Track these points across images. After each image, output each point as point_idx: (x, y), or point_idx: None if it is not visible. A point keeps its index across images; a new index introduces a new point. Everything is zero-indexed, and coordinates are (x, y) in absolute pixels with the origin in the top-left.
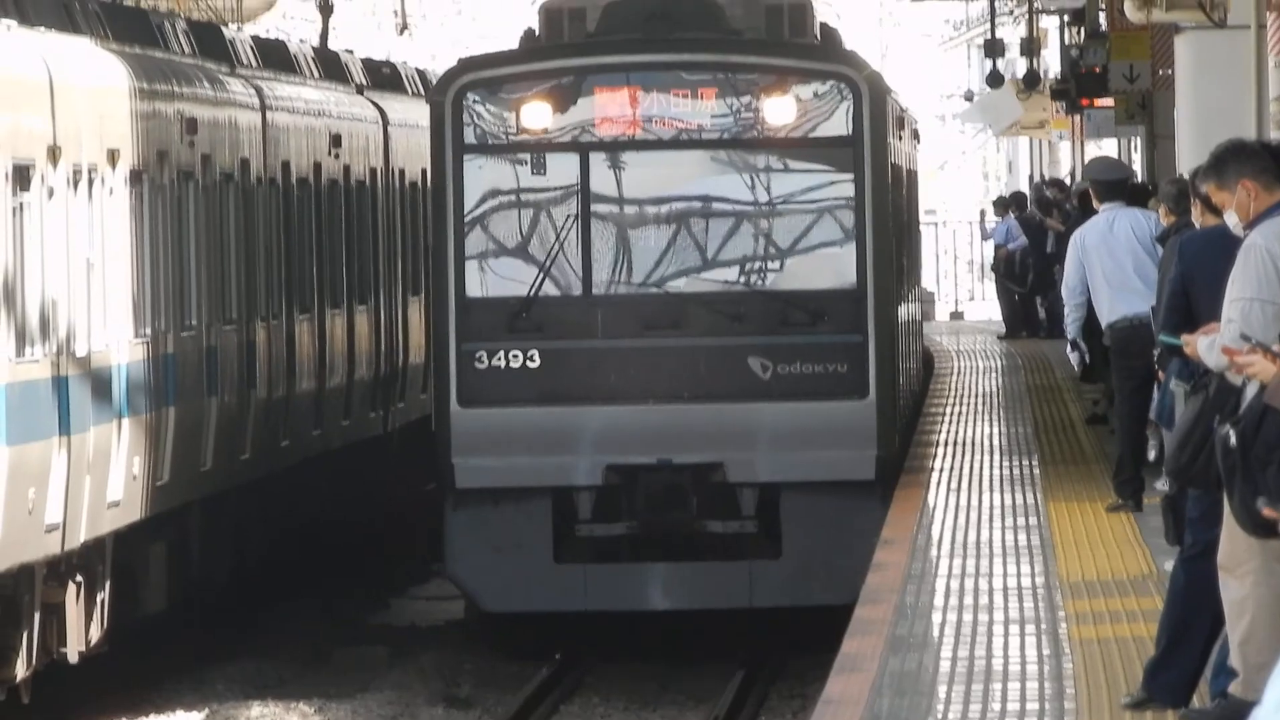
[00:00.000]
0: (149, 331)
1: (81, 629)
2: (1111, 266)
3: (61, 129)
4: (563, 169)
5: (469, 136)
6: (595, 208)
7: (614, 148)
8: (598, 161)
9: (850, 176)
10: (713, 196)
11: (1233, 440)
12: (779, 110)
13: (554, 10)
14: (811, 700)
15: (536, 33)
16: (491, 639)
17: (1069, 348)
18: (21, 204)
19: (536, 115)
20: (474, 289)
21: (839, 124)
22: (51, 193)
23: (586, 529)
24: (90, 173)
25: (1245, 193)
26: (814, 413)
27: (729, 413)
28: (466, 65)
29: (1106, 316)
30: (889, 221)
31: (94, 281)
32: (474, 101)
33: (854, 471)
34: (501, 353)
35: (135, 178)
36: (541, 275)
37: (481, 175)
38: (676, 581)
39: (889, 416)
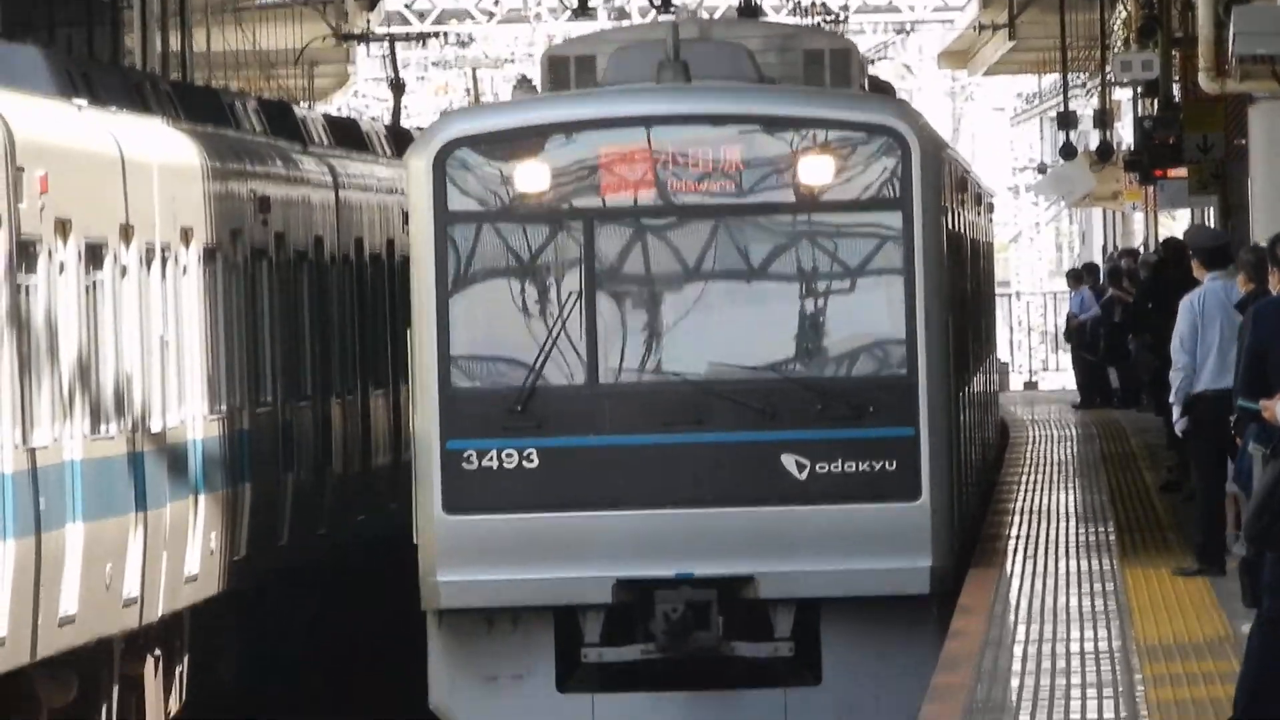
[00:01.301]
0: (224, 408)
1: (161, 702)
2: (1229, 334)
3: (134, 208)
4: (564, 240)
5: (454, 203)
6: (602, 284)
7: (623, 215)
8: (604, 231)
9: (899, 245)
10: (739, 270)
11: None
12: (816, 169)
13: (558, 58)
14: None
15: (537, 84)
16: None
17: (1177, 414)
18: (95, 282)
19: (533, 177)
20: (461, 379)
21: (886, 184)
22: (124, 271)
23: (595, 654)
24: (163, 251)
25: None
26: (859, 518)
27: (760, 518)
28: (451, 119)
29: (1209, 383)
30: (945, 295)
31: (168, 358)
32: (460, 162)
33: (906, 585)
34: (494, 452)
35: (209, 256)
36: (540, 362)
37: (468, 247)
38: (700, 714)
39: (946, 520)
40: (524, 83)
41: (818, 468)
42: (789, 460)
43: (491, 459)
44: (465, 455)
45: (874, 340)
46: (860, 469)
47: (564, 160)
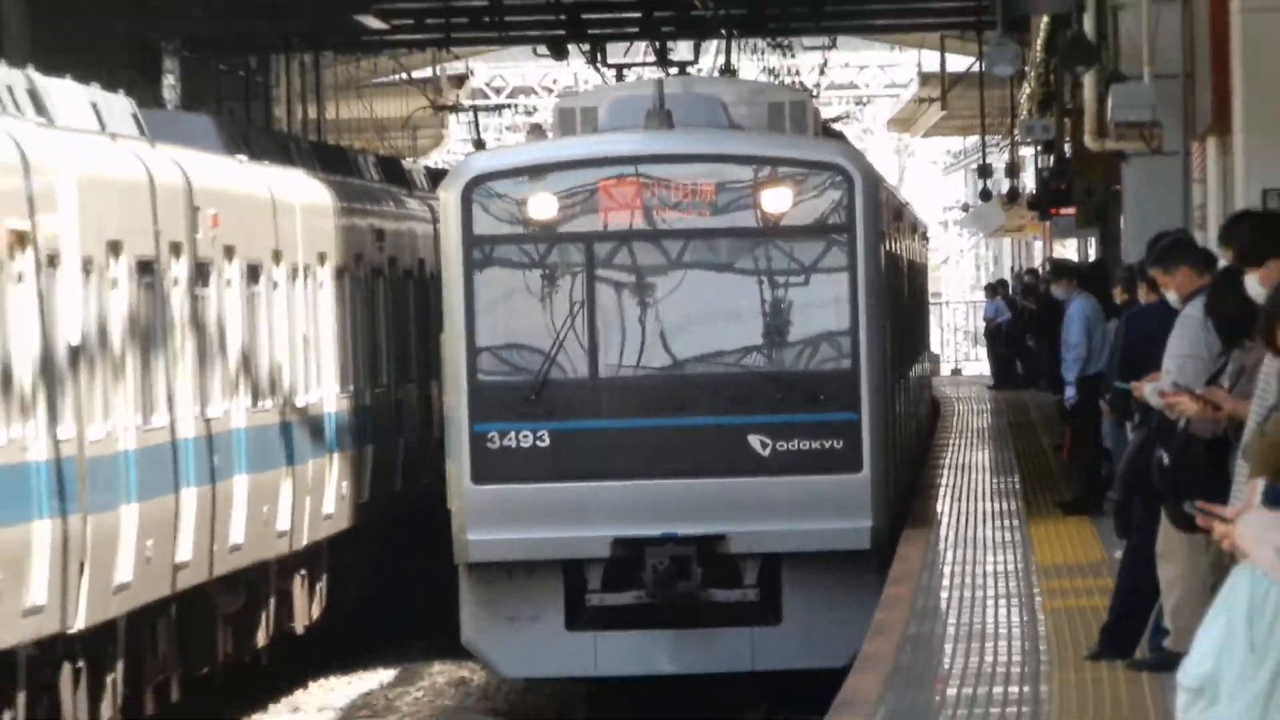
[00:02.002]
0: (351, 388)
1: (306, 610)
2: (1098, 336)
3: (282, 237)
4: (569, 258)
5: (478, 227)
6: (600, 295)
7: (617, 236)
8: (602, 250)
9: (845, 262)
10: (712, 282)
11: (1166, 461)
12: (775, 199)
13: (567, 109)
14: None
15: (548, 131)
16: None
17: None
18: (253, 293)
19: (543, 207)
20: (485, 373)
21: (833, 212)
22: (275, 285)
23: (596, 599)
24: (305, 270)
25: (1184, 277)
26: (812, 487)
27: (731, 488)
28: (476, 159)
29: (1088, 371)
30: (884, 304)
31: (309, 351)
32: (483, 194)
33: (850, 543)
34: (513, 433)
35: (339, 274)
36: (550, 359)
37: (490, 265)
38: (682, 647)
39: (883, 489)
40: (535, 129)
41: (778, 445)
42: (754, 440)
43: (511, 439)
44: (489, 436)
45: (824, 341)
46: (813, 447)
47: (568, 191)
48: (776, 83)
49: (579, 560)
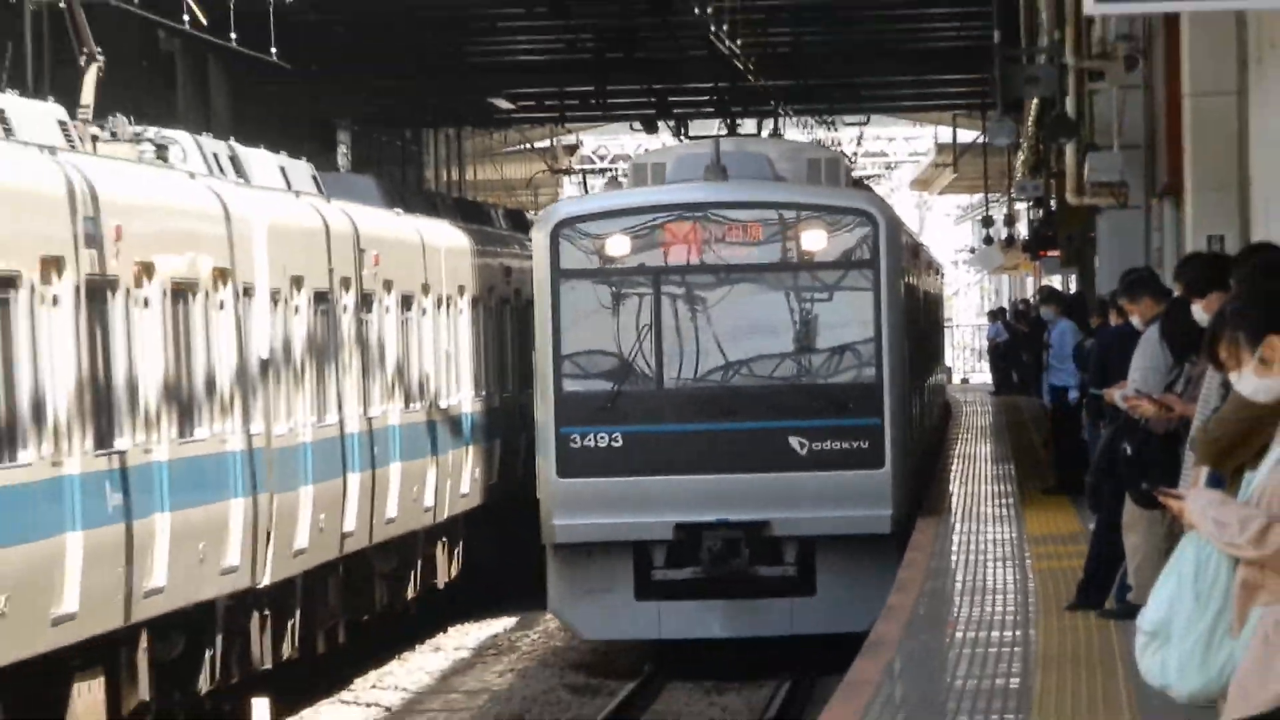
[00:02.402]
0: (483, 394)
1: (446, 570)
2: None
3: (430, 273)
4: (638, 287)
5: (564, 262)
6: (664, 319)
7: (678, 271)
8: (666, 281)
9: (870, 292)
10: (760, 309)
11: (1130, 451)
12: (812, 239)
13: (640, 164)
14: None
15: (621, 183)
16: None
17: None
18: (406, 318)
19: (617, 245)
20: (569, 385)
21: (860, 249)
22: (424, 311)
23: (661, 574)
24: (447, 299)
25: (1145, 305)
26: (841, 481)
27: (774, 481)
28: (562, 205)
29: (1064, 381)
30: (901, 326)
31: (450, 364)
32: (568, 234)
33: (873, 528)
34: (591, 435)
35: (474, 302)
36: (622, 374)
37: (574, 294)
38: (732, 615)
39: (901, 482)
40: (612, 180)
41: (813, 446)
42: (794, 441)
43: (590, 440)
44: (572, 438)
45: (852, 358)
46: (842, 447)
47: (638, 232)
48: (814, 143)
49: (646, 541)
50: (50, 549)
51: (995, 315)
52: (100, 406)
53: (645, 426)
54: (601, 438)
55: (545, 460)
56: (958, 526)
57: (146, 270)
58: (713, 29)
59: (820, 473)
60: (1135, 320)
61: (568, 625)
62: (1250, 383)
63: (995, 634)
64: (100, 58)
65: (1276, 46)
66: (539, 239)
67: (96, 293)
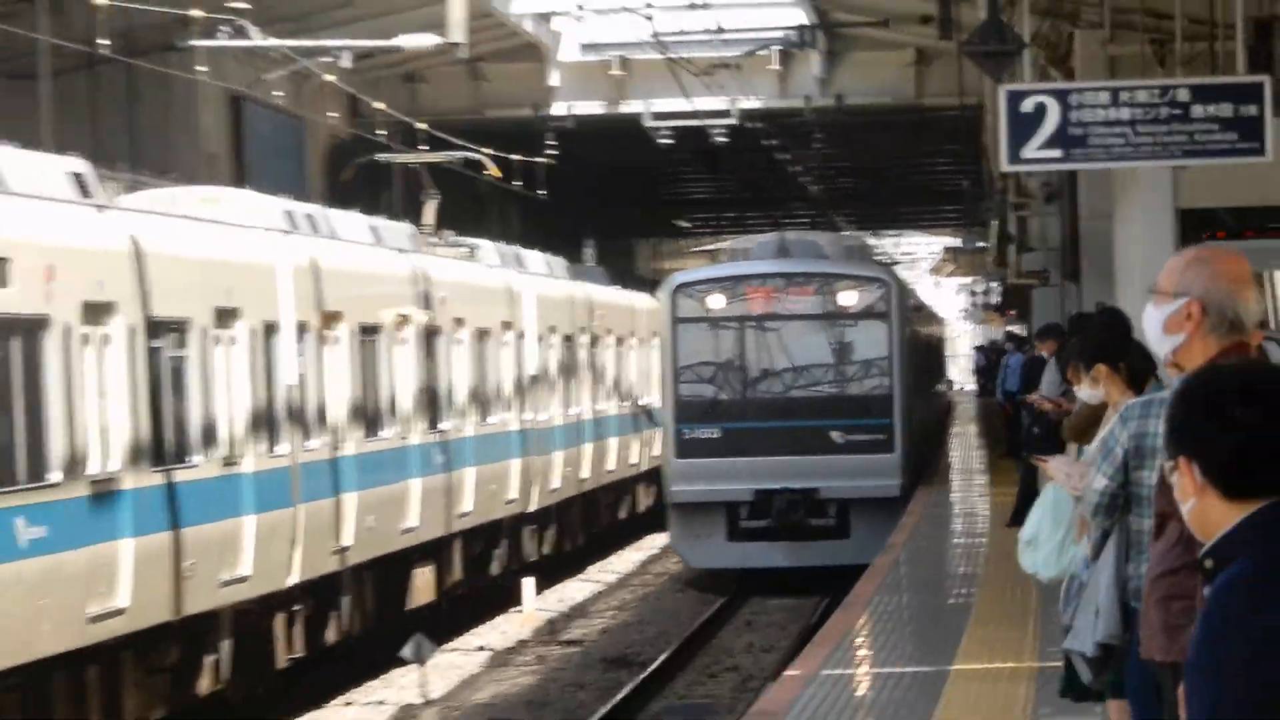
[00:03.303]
0: (577, 411)
1: (536, 550)
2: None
3: (635, 323)
4: (730, 330)
5: (680, 312)
6: (746, 351)
7: (758, 319)
8: (748, 326)
9: (884, 333)
10: (810, 344)
11: (1035, 431)
12: (845, 297)
13: (734, 248)
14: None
15: (722, 257)
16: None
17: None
18: (620, 353)
19: (716, 300)
20: (686, 394)
21: (878, 305)
22: (630, 348)
23: (744, 524)
24: (641, 341)
25: (1050, 344)
26: (865, 461)
27: (820, 461)
28: (680, 275)
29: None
30: (907, 356)
31: (544, 384)
32: (682, 295)
33: (887, 493)
34: (699, 430)
35: (640, 342)
36: (721, 386)
37: (687, 334)
38: (792, 552)
39: (907, 463)
40: (712, 256)
41: (847, 437)
42: (834, 434)
43: (697, 433)
44: (685, 431)
45: (872, 377)
46: (865, 438)
47: (730, 293)
48: (850, 235)
49: (735, 502)
50: (401, 489)
51: (978, 349)
52: (431, 404)
53: (734, 423)
54: (705, 431)
55: (667, 447)
56: (951, 478)
57: (459, 322)
58: (803, 179)
59: (851, 455)
60: (1044, 353)
61: (682, 558)
62: (1085, 392)
63: (966, 539)
64: (437, 196)
65: (1127, 189)
66: (663, 296)
67: (430, 335)
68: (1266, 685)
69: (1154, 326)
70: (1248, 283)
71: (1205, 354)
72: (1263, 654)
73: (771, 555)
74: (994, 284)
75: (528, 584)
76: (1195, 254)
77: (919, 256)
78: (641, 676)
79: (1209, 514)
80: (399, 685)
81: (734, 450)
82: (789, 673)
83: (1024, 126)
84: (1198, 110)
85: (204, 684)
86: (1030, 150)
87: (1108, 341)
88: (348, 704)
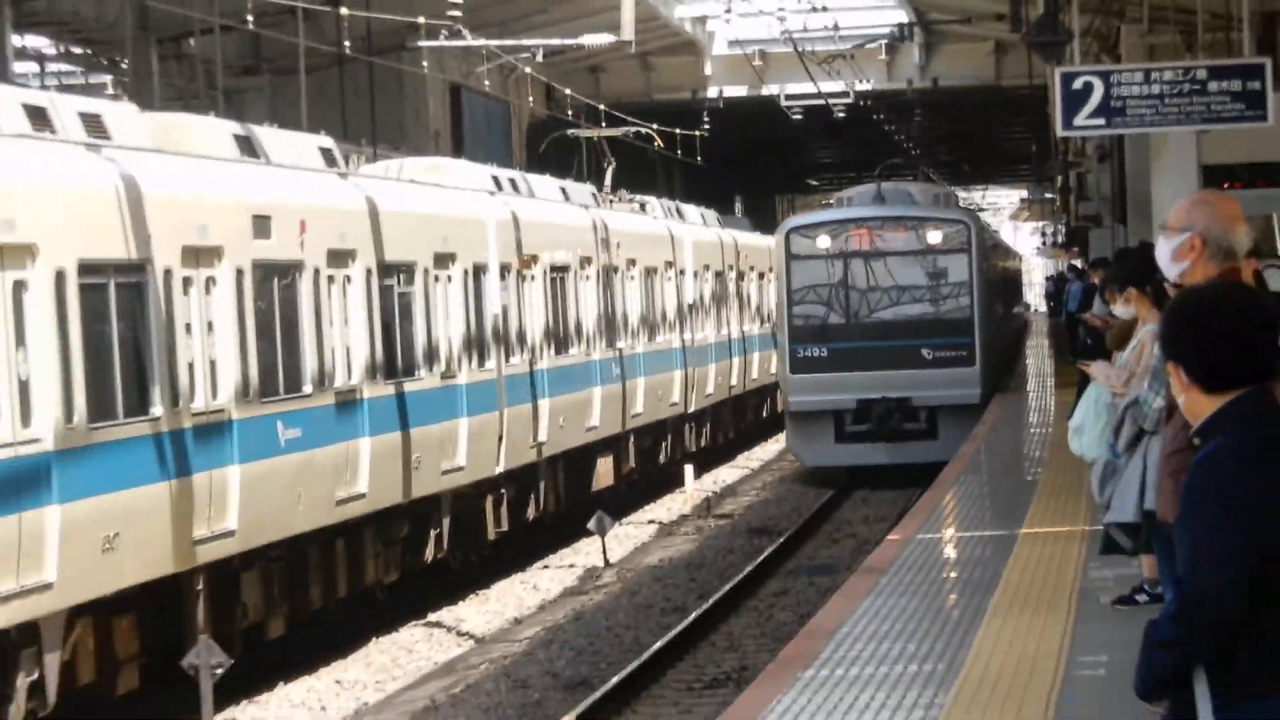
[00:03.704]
0: (726, 332)
1: (695, 443)
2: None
3: (762, 261)
4: (837, 265)
5: (794, 249)
6: (850, 282)
7: (859, 255)
8: (852, 261)
9: (966, 265)
10: (904, 275)
11: (1088, 341)
12: (933, 235)
13: (840, 196)
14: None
15: (830, 204)
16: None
17: None
18: (757, 286)
19: (824, 240)
20: (798, 320)
21: (960, 241)
22: (755, 281)
23: (849, 428)
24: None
25: (1101, 273)
26: (950, 374)
27: (913, 375)
28: (792, 219)
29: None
30: (986, 284)
31: (699, 311)
32: (795, 235)
33: (969, 400)
34: (810, 349)
35: (718, 275)
36: (828, 312)
37: (799, 269)
38: (889, 451)
39: (985, 374)
40: (822, 205)
41: (935, 354)
42: (924, 351)
43: (809, 351)
44: (798, 350)
45: (955, 303)
46: (951, 354)
47: (835, 233)
48: (937, 184)
49: (841, 410)
50: (586, 395)
51: (1048, 279)
52: (609, 327)
53: (839, 344)
54: (815, 350)
55: (783, 364)
56: (1024, 390)
57: (631, 262)
58: (907, 146)
59: (938, 370)
60: (1095, 280)
61: (797, 457)
62: (1120, 310)
63: (1031, 432)
64: (613, 163)
65: (1160, 150)
66: (778, 237)
67: (607, 272)
68: (1224, 521)
69: (1164, 256)
70: (1240, 220)
71: (1205, 277)
72: (1230, 506)
73: (872, 454)
74: (1060, 226)
75: (688, 470)
76: (1198, 197)
77: (1001, 206)
78: (779, 542)
79: (1195, 405)
80: (585, 553)
81: (839, 366)
82: (891, 537)
83: (1075, 100)
84: (1213, 86)
85: (429, 553)
86: (1080, 119)
87: (1135, 269)
88: (545, 568)
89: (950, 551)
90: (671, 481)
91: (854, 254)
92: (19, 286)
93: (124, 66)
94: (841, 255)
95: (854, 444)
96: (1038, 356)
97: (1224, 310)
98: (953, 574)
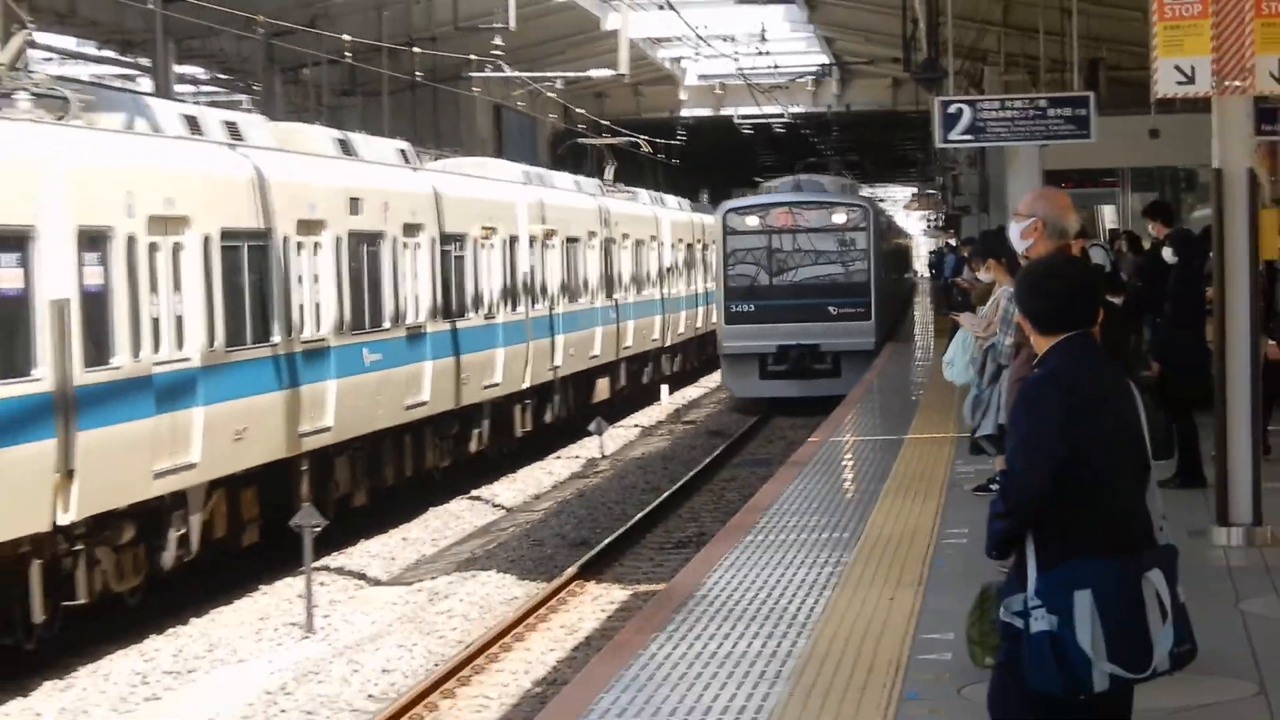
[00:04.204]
0: (693, 289)
1: (669, 369)
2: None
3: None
4: (762, 240)
5: (729, 226)
6: (772, 253)
7: (781, 231)
8: (774, 237)
9: (865, 240)
10: (816, 248)
11: (959, 298)
12: (840, 216)
13: (766, 186)
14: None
15: (760, 191)
16: (738, 406)
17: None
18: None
19: (753, 220)
20: (732, 282)
21: (860, 221)
22: (701, 250)
23: (771, 368)
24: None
25: (973, 249)
26: (851, 326)
27: (822, 326)
28: (728, 202)
29: None
30: (880, 255)
31: (675, 272)
32: (730, 214)
33: (865, 347)
34: (741, 305)
35: (686, 246)
36: (756, 275)
37: (733, 241)
38: (802, 387)
39: (879, 326)
40: (755, 189)
41: (840, 310)
42: (830, 307)
43: (740, 307)
44: (731, 306)
45: (856, 270)
46: (852, 310)
47: (764, 213)
48: (843, 177)
49: (764, 353)
50: (590, 333)
51: (931, 252)
52: (608, 283)
53: (765, 301)
54: (745, 306)
55: (719, 315)
56: (909, 335)
57: (625, 236)
58: (826, 154)
59: (841, 322)
60: (965, 254)
61: (730, 390)
62: (983, 275)
63: (919, 364)
64: (614, 163)
65: (1013, 159)
66: (717, 216)
67: (607, 243)
68: (1038, 427)
69: (1015, 235)
70: (1070, 210)
71: (1045, 252)
72: (1037, 418)
73: (788, 389)
74: (940, 214)
75: (664, 389)
76: (1039, 192)
77: (897, 199)
78: (729, 441)
79: (1037, 345)
80: (587, 447)
81: (764, 319)
82: (811, 439)
83: (950, 121)
84: (1052, 113)
85: (473, 445)
86: (954, 135)
87: (994, 245)
88: (557, 458)
89: (854, 451)
90: (653, 396)
91: (776, 230)
92: (177, 247)
93: (256, 89)
94: (767, 231)
95: (774, 380)
96: (922, 310)
97: (1057, 275)
98: (856, 467)
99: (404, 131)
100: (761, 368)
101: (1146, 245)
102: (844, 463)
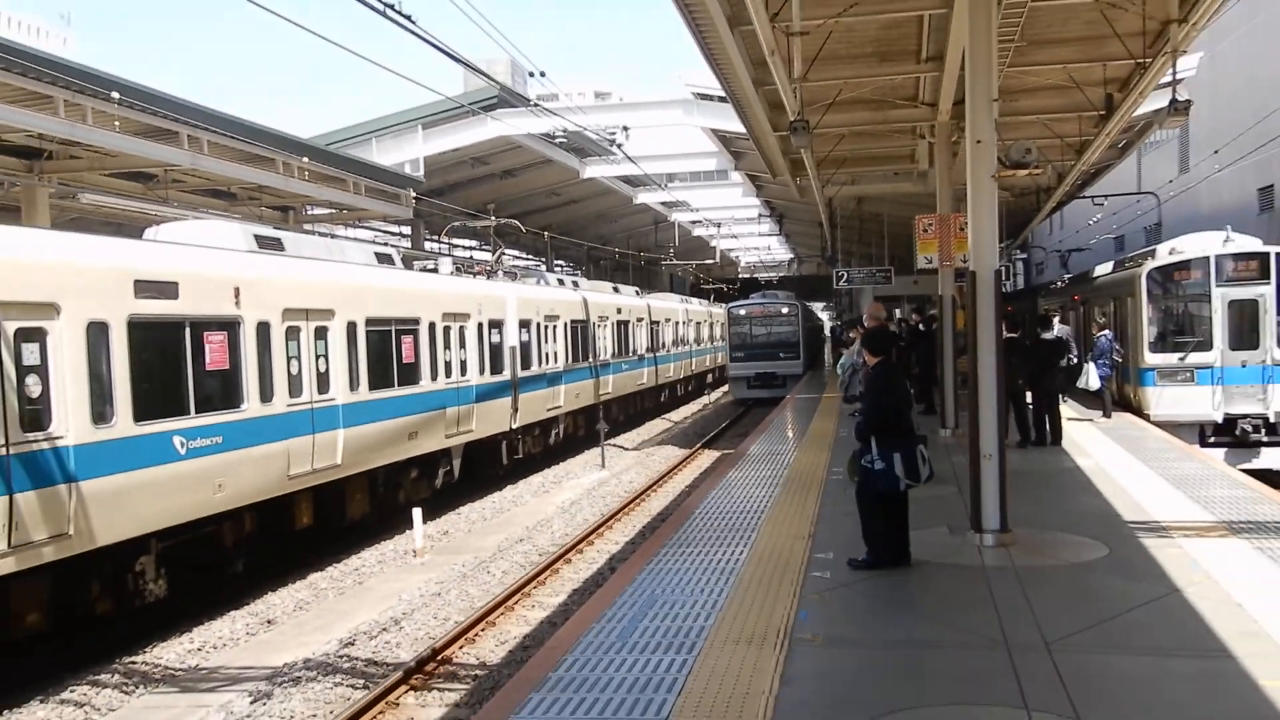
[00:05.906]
0: (652, 353)
1: (655, 404)
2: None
3: (692, 314)
4: (746, 325)
5: (731, 315)
6: (752, 334)
7: (755, 317)
8: (753, 322)
9: (795, 325)
10: (772, 327)
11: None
12: (785, 309)
13: (753, 295)
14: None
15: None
16: (734, 405)
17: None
18: (659, 324)
19: (743, 311)
20: (733, 340)
21: (795, 312)
22: (684, 324)
23: (753, 383)
24: (703, 324)
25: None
26: (790, 363)
27: (776, 363)
28: (731, 306)
29: None
30: (807, 330)
31: (701, 343)
32: (731, 309)
33: (796, 372)
34: (737, 352)
35: (696, 324)
36: (743, 338)
37: (733, 326)
38: (768, 393)
39: (805, 363)
40: (742, 293)
41: (784, 355)
42: (780, 354)
43: (737, 355)
44: (733, 354)
45: (790, 338)
46: (789, 356)
47: (749, 309)
48: (788, 295)
49: (749, 375)
50: (588, 384)
51: (832, 328)
52: (585, 352)
53: (748, 350)
54: (739, 353)
55: (728, 357)
56: (820, 371)
57: (603, 320)
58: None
59: (785, 361)
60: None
61: (732, 395)
62: (853, 334)
63: (824, 381)
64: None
65: (865, 291)
66: (724, 310)
67: (580, 325)
68: (880, 390)
69: (865, 318)
70: (883, 310)
71: (873, 326)
72: (876, 388)
73: (760, 394)
74: (836, 311)
75: (655, 420)
76: (873, 303)
77: (817, 305)
78: (714, 432)
79: (870, 360)
80: (589, 464)
81: (748, 360)
82: (770, 416)
83: (839, 277)
84: (878, 273)
85: (521, 451)
86: (841, 283)
87: (857, 324)
88: (569, 462)
89: (799, 408)
90: (644, 423)
91: (754, 317)
92: (320, 331)
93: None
94: (749, 318)
95: (755, 389)
96: (827, 354)
97: (878, 335)
98: (783, 440)
99: (612, 277)
100: (747, 383)
101: (912, 323)
102: (792, 416)
